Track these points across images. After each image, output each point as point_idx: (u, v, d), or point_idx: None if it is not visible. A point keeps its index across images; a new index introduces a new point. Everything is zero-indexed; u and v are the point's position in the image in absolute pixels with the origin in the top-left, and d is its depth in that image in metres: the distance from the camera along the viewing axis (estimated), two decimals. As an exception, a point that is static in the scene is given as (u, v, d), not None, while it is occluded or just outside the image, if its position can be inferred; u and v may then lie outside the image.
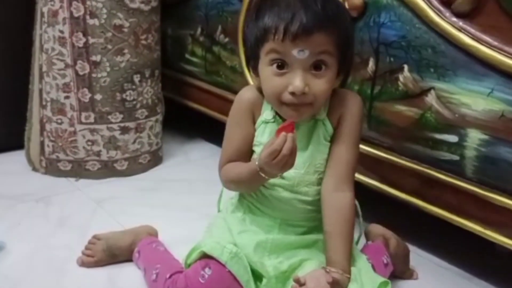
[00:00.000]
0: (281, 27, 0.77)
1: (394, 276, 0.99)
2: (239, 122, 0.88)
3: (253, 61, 0.85)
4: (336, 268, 0.79)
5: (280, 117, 0.85)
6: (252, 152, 0.89)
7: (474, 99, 0.89)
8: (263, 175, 0.79)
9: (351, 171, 0.86)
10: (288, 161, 0.75)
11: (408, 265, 1.03)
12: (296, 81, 0.77)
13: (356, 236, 0.92)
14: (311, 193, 0.87)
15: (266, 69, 0.81)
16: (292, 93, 0.78)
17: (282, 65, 0.79)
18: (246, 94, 0.89)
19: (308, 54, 0.77)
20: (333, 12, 0.79)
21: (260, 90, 0.86)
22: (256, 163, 0.79)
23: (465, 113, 0.91)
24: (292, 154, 0.75)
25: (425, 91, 0.96)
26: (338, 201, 0.84)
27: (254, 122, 0.88)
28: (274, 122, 0.86)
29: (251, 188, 0.88)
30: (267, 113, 0.86)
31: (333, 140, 0.86)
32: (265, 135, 0.86)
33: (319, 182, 0.87)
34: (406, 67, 0.98)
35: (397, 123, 1.02)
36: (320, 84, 0.79)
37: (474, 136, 0.91)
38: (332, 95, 0.85)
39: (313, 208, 0.88)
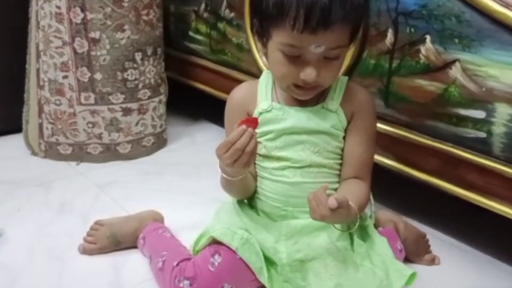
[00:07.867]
0: (301, 16, 0.72)
1: (412, 261, 0.96)
2: (236, 122, 0.85)
3: (262, 37, 0.81)
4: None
5: (278, 103, 0.84)
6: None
7: (502, 71, 0.84)
8: (220, 171, 0.76)
9: (369, 167, 0.86)
10: (241, 157, 0.72)
11: (423, 249, 0.99)
12: (308, 70, 0.76)
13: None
14: (322, 175, 0.84)
15: (277, 54, 0.78)
16: (304, 80, 0.78)
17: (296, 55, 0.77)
18: (237, 93, 0.89)
19: (323, 49, 0.75)
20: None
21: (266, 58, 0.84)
22: None
23: (493, 86, 0.86)
24: (248, 151, 0.72)
25: (449, 64, 0.91)
26: (354, 182, 0.84)
27: None
28: (270, 111, 0.84)
29: (233, 192, 0.86)
30: (263, 103, 0.85)
31: (348, 135, 0.85)
32: (263, 125, 0.84)
33: (331, 166, 0.85)
34: (428, 38, 0.92)
35: (418, 99, 0.97)
36: (331, 71, 0.79)
37: (503, 111, 0.85)
38: (345, 89, 0.85)
39: None
